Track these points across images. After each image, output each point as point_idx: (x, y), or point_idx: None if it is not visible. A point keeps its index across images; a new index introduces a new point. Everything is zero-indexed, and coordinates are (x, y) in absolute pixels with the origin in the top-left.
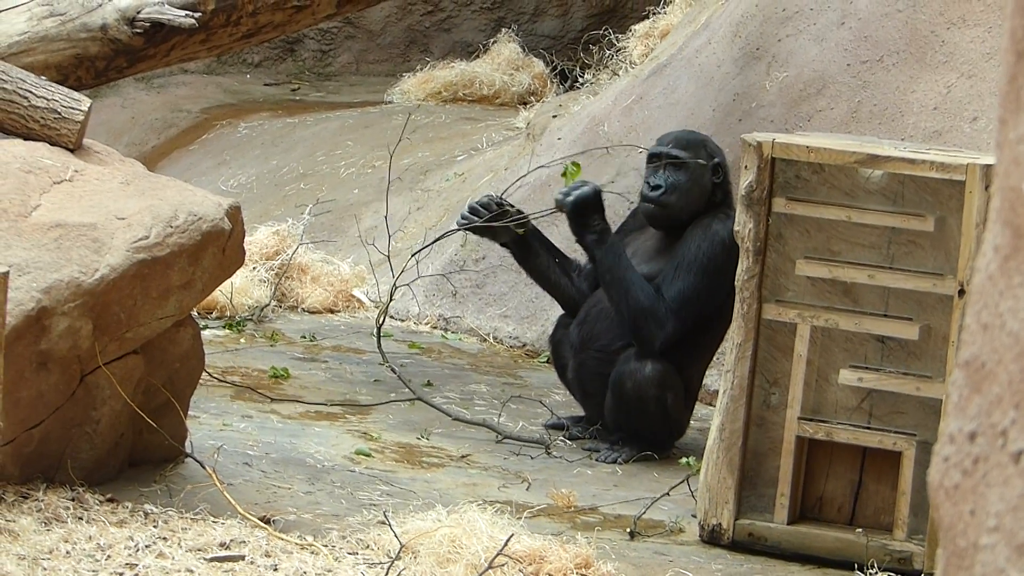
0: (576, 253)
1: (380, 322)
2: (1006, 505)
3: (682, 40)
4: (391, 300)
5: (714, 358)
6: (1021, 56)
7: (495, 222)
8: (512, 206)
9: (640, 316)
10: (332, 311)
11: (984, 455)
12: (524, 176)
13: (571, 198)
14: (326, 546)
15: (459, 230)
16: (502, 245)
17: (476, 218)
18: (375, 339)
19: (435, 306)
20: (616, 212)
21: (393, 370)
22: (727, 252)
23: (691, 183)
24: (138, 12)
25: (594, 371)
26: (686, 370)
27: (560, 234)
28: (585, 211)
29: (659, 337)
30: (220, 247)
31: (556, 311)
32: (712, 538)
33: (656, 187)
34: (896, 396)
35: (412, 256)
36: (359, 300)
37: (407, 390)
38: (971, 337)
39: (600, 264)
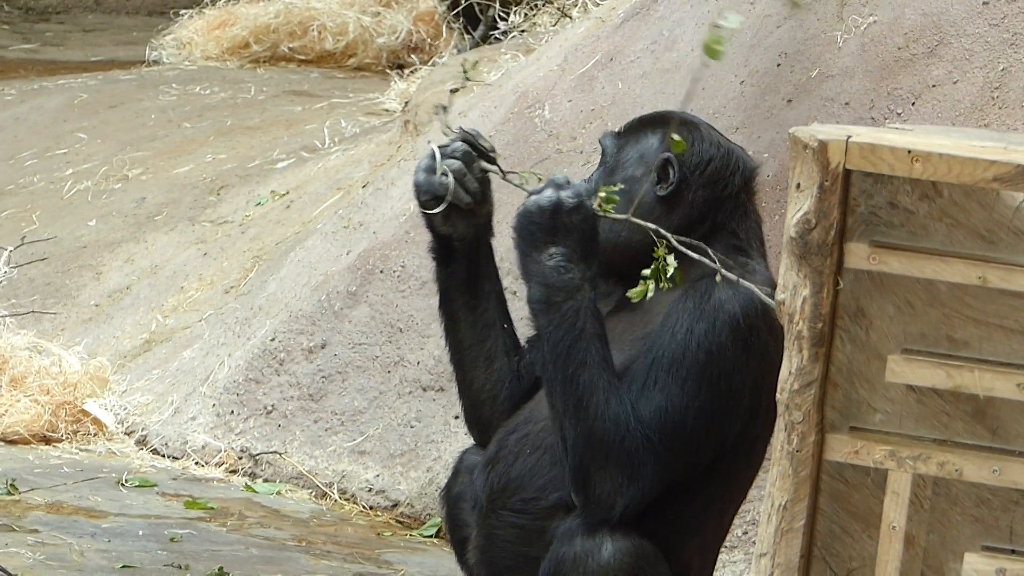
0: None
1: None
2: None
3: None
4: None
5: (731, 527)
6: None
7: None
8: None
9: (597, 449)
10: (49, 439)
11: None
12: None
13: (521, 208)
14: None
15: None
16: (438, 240)
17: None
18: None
19: (234, 432)
20: None
21: None
22: (743, 342)
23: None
24: None
25: (511, 549)
26: (679, 550)
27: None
28: (535, 234)
29: (626, 491)
30: None
31: (452, 443)
32: None
33: None
34: None
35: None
36: (97, 419)
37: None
38: None
39: (545, 341)
